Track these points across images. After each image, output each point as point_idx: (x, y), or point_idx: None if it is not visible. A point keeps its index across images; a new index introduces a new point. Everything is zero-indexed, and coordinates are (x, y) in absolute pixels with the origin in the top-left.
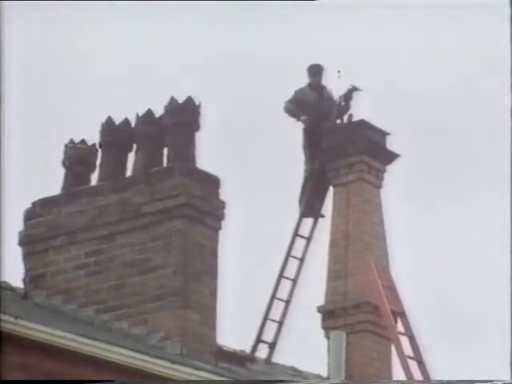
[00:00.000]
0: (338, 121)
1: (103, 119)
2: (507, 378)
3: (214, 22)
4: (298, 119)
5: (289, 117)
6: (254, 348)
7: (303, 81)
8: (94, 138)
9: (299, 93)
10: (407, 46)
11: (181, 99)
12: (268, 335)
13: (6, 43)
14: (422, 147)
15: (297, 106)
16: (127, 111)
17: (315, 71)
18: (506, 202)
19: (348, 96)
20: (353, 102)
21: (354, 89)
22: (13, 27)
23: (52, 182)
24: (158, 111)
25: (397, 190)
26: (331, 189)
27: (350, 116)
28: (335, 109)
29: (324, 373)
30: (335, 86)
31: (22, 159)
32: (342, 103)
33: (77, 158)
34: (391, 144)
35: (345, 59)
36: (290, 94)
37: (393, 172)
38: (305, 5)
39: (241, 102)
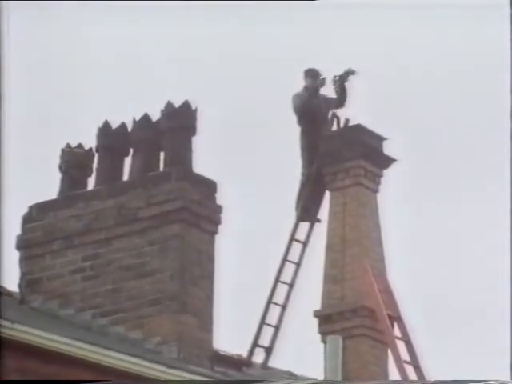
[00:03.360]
0: (335, 124)
1: (100, 123)
2: (507, 378)
3: (213, 24)
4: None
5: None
6: (251, 352)
7: (302, 82)
8: (90, 142)
9: (297, 98)
10: (406, 46)
11: (178, 103)
12: (264, 339)
13: (6, 44)
14: (418, 152)
15: (297, 114)
16: (124, 115)
17: (311, 75)
18: (506, 205)
19: (344, 78)
20: (348, 85)
21: (350, 71)
22: (12, 28)
23: (49, 187)
24: (155, 115)
25: (393, 194)
26: (328, 193)
27: (347, 120)
28: (332, 114)
29: (321, 377)
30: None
31: (19, 163)
32: (337, 86)
33: (73, 162)
34: (388, 148)
35: (343, 60)
36: (288, 96)
37: (389, 176)
38: (305, 5)
39: (238, 106)
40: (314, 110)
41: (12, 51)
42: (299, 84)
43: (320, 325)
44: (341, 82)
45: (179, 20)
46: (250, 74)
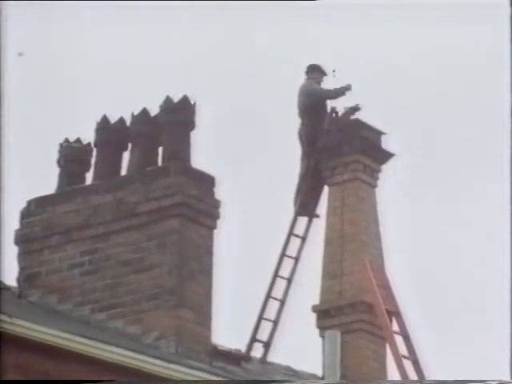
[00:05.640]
0: (334, 119)
1: (98, 118)
2: (507, 378)
3: (212, 22)
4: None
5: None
6: (249, 347)
7: (301, 80)
8: (89, 136)
9: (307, 94)
10: (405, 45)
11: (176, 98)
12: (263, 334)
13: (5, 43)
14: (417, 147)
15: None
16: (122, 110)
17: (317, 70)
18: (505, 201)
19: (349, 113)
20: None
21: (356, 108)
22: (12, 27)
23: (47, 181)
24: (154, 110)
25: (392, 189)
26: (326, 188)
27: (346, 115)
28: (331, 109)
29: (319, 372)
30: (331, 86)
31: (18, 158)
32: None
33: (72, 156)
34: (386, 143)
35: (342, 58)
36: (287, 92)
37: (388, 171)
38: (304, 4)
39: (237, 101)
40: (323, 104)
41: (12, 50)
42: (298, 80)
43: (318, 320)
44: (345, 115)
45: (180, 17)
46: (248, 70)
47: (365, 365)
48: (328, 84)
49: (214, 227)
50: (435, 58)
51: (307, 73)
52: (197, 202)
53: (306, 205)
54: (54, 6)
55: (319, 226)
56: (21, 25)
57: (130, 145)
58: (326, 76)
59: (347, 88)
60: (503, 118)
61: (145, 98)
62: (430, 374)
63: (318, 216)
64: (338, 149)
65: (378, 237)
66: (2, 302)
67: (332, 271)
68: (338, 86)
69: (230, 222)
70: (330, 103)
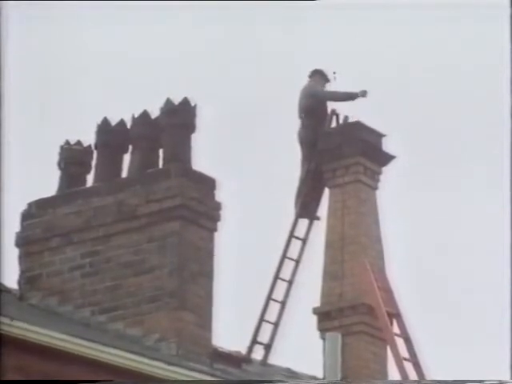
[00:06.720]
0: (334, 121)
1: (99, 120)
2: (507, 378)
3: (213, 23)
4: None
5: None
6: (250, 349)
7: (302, 81)
8: (89, 138)
9: (309, 96)
10: (405, 46)
11: (177, 100)
12: (264, 336)
13: (5, 43)
14: (417, 149)
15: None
16: (123, 112)
17: (320, 75)
18: (506, 201)
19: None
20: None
21: (363, 93)
22: (12, 27)
23: (48, 183)
24: (154, 112)
25: (393, 191)
26: (327, 190)
27: (346, 117)
28: (331, 111)
29: (320, 374)
30: (332, 87)
31: (18, 160)
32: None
33: (72, 159)
34: (387, 145)
35: (342, 59)
36: (288, 93)
37: (389, 173)
38: (304, 4)
39: (237, 103)
40: (323, 107)
41: (12, 50)
42: (298, 81)
43: (319, 322)
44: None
45: (179, 19)
46: (248, 72)
47: (365, 367)
48: (329, 85)
49: (214, 229)
50: (435, 58)
51: (310, 77)
52: (197, 204)
53: (306, 207)
54: (53, 6)
55: (320, 228)
56: (21, 25)
57: (130, 147)
58: (328, 82)
59: (362, 94)
60: (503, 118)
61: (145, 99)
62: (431, 376)
63: (318, 218)
64: (338, 151)
65: (378, 239)
66: (3, 304)
67: (333, 273)
68: (338, 88)
69: (230, 224)
70: (330, 105)
